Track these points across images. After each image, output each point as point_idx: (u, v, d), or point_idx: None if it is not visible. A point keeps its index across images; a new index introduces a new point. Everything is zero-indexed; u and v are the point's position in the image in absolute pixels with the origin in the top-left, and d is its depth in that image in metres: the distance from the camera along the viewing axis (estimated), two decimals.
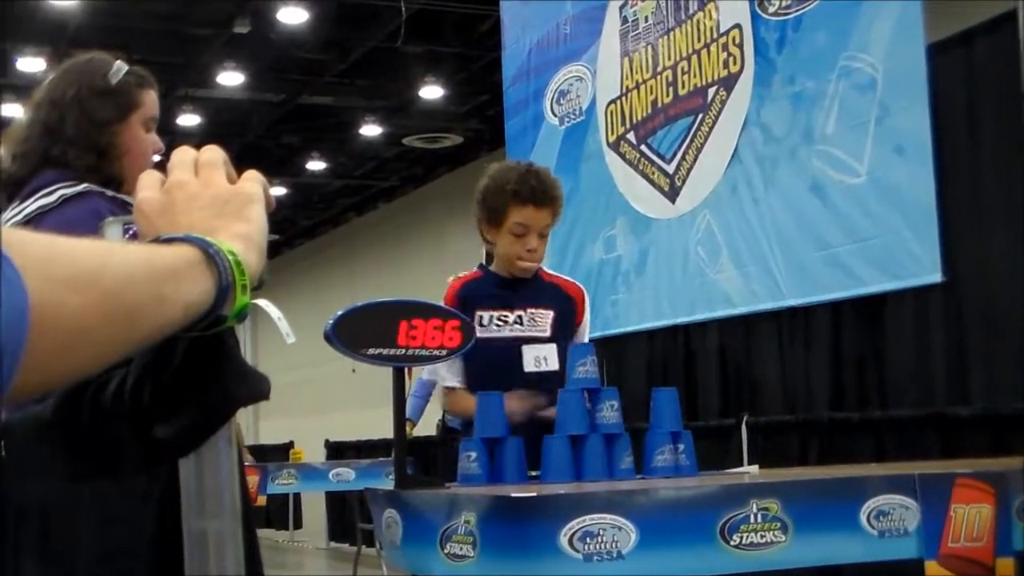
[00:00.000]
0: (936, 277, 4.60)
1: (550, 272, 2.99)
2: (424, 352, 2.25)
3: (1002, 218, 4.56)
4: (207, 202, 0.87)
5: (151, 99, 2.14)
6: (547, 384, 2.75)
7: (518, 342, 2.80)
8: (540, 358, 2.78)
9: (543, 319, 2.84)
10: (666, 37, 6.13)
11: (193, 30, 8.78)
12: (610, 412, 2.45)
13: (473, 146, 11.67)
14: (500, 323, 2.82)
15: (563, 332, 2.86)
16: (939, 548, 2.12)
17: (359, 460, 8.31)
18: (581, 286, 3.02)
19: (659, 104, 6.18)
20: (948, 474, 2.21)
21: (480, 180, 2.90)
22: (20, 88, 8.15)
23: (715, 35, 5.79)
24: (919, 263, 4.65)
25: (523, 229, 2.79)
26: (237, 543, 1.01)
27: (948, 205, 4.61)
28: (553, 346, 2.82)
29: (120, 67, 2.10)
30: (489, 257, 3.09)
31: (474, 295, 2.84)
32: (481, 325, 2.79)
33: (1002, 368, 4.52)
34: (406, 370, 2.43)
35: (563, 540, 1.89)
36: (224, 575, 0.99)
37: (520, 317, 2.83)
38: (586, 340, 2.89)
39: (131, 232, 1.05)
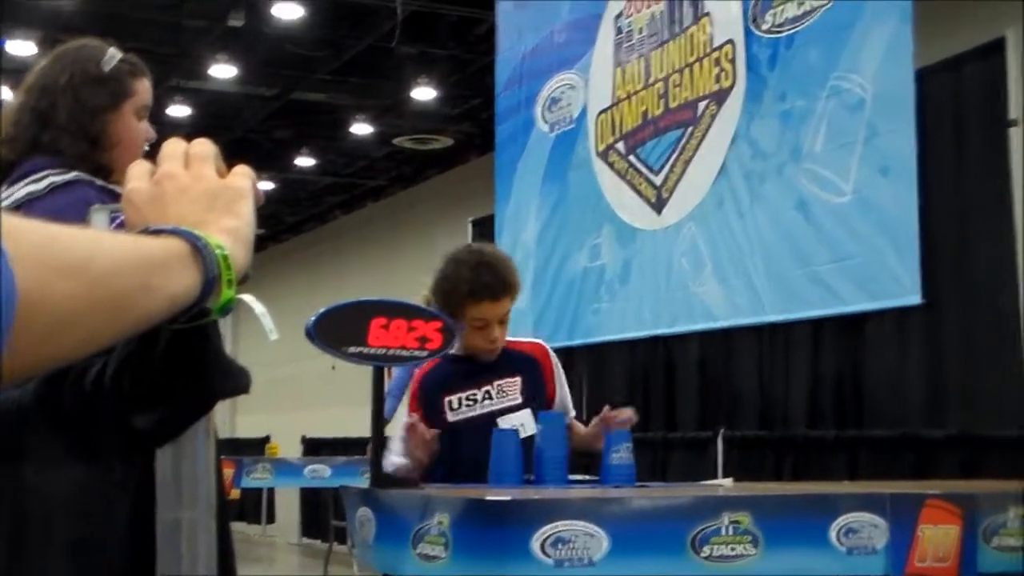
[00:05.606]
0: (916, 299, 4.63)
1: (508, 339, 2.93)
2: (404, 352, 2.26)
3: (983, 243, 4.60)
4: (197, 195, 0.88)
5: (144, 87, 2.13)
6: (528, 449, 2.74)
7: (492, 416, 2.78)
8: (517, 426, 2.76)
9: (512, 387, 2.81)
10: (659, 49, 6.16)
11: (187, 21, 8.76)
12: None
13: (463, 149, 11.67)
14: (471, 402, 2.79)
15: (532, 394, 2.84)
16: (905, 567, 2.14)
17: (335, 457, 8.29)
18: (542, 343, 2.99)
19: (649, 115, 6.20)
20: (918, 495, 2.23)
21: (436, 268, 2.83)
22: (8, 71, 8.11)
23: (708, 49, 5.82)
24: (900, 284, 4.68)
25: (483, 323, 2.76)
26: (210, 534, 1.02)
27: (930, 228, 4.65)
28: (527, 411, 2.80)
29: (114, 54, 2.09)
30: None
31: (438, 383, 2.80)
32: (452, 410, 2.77)
33: (978, 391, 4.55)
34: (385, 369, 2.44)
35: (535, 545, 1.90)
36: (196, 565, 1.00)
37: (488, 392, 2.80)
38: (567, 392, 2.92)
39: (118, 221, 1.05)
